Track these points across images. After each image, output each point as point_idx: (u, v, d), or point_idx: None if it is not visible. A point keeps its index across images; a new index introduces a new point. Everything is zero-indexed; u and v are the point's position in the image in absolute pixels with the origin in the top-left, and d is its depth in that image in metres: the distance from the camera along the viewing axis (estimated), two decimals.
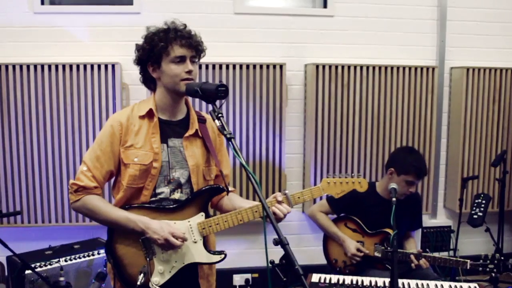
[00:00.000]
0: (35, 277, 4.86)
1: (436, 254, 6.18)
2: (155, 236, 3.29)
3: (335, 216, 5.44)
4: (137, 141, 3.41)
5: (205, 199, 3.49)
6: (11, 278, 5.12)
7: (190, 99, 3.65)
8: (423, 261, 4.90)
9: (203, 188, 3.49)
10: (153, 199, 3.44)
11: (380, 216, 5.05)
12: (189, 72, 3.36)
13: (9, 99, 5.85)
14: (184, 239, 3.34)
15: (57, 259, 5.20)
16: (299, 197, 3.49)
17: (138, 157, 3.39)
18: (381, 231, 5.12)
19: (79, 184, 3.42)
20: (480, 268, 4.82)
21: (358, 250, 5.08)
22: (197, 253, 3.44)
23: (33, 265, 4.89)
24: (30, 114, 5.89)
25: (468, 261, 4.83)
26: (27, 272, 4.86)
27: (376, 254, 5.11)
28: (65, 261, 5.23)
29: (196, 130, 3.53)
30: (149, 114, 3.47)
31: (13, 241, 4.85)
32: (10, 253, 4.76)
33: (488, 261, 4.81)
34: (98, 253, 5.44)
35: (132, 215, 3.36)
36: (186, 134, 3.49)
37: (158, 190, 3.44)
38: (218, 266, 3.71)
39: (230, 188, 3.75)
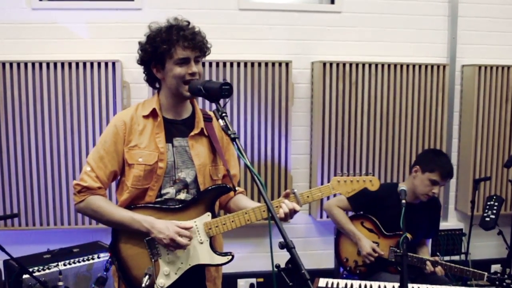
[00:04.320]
0: (33, 282, 4.84)
1: (447, 258, 6.20)
2: (160, 235, 3.29)
3: (351, 213, 5.43)
4: (141, 141, 3.43)
5: (211, 199, 3.49)
6: (8, 283, 5.12)
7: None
8: (439, 269, 4.89)
9: (209, 188, 3.50)
10: (158, 199, 3.46)
11: (399, 218, 5.04)
12: (193, 74, 3.36)
13: (6, 98, 5.85)
14: (190, 237, 3.34)
15: (56, 263, 5.18)
16: (308, 196, 3.48)
17: (142, 157, 3.41)
18: (398, 234, 5.09)
19: (82, 185, 3.46)
20: (497, 283, 4.80)
21: (373, 250, 5.07)
22: (203, 254, 3.44)
23: (31, 269, 4.88)
24: (28, 113, 5.89)
25: (486, 273, 4.79)
26: (25, 276, 4.85)
27: (391, 256, 5.10)
28: (64, 265, 5.22)
29: (202, 128, 3.53)
30: (153, 114, 3.48)
31: (10, 245, 4.85)
32: (7, 257, 4.76)
33: (506, 276, 4.78)
34: (98, 257, 5.43)
35: (137, 215, 3.37)
36: (192, 133, 3.50)
37: (163, 191, 3.46)
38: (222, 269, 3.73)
39: (239, 189, 3.76)
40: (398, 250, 5.07)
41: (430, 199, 5.17)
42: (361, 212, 5.35)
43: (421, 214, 5.12)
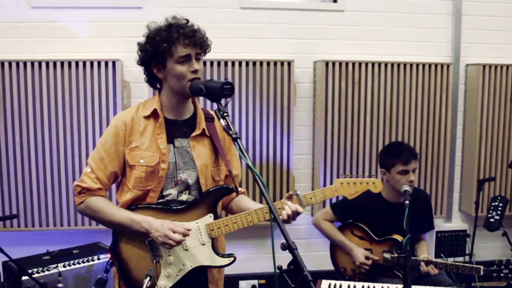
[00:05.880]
0: (32, 284, 4.85)
1: (451, 260, 6.18)
2: (156, 234, 3.29)
3: (340, 223, 5.43)
4: (143, 142, 3.43)
5: (213, 199, 3.49)
6: (7, 285, 5.12)
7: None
8: (430, 267, 4.88)
9: (211, 189, 3.50)
10: (160, 201, 3.46)
11: (388, 221, 5.04)
12: (195, 71, 3.35)
13: (5, 97, 5.85)
14: (185, 234, 3.32)
15: (55, 265, 5.19)
16: (311, 198, 3.47)
17: (144, 158, 3.40)
18: (389, 238, 5.10)
19: (82, 186, 3.46)
20: (495, 274, 4.79)
21: (367, 257, 5.07)
22: (205, 256, 3.44)
23: (30, 271, 4.89)
24: (27, 113, 5.89)
25: (481, 267, 4.79)
26: (24, 278, 4.86)
27: (385, 256, 5.09)
28: (64, 266, 5.22)
29: (203, 129, 3.53)
30: (154, 114, 3.47)
31: (9, 246, 4.87)
32: (6, 258, 4.77)
33: (503, 267, 4.78)
34: (98, 259, 5.43)
35: (136, 215, 3.37)
36: (193, 134, 3.50)
37: (165, 192, 3.46)
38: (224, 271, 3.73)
39: (241, 190, 3.76)
40: (392, 254, 5.07)
41: (415, 194, 5.12)
42: (350, 221, 5.36)
43: (410, 211, 5.09)
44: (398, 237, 5.03)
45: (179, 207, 3.45)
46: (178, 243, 3.29)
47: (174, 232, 3.27)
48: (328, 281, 4.54)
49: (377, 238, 5.15)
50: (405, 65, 6.53)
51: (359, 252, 5.10)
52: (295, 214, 3.33)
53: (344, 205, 5.33)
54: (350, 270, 5.21)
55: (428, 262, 4.90)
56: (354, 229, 5.28)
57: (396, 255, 5.04)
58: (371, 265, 5.06)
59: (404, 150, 5.13)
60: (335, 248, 5.36)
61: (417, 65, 6.57)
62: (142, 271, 3.37)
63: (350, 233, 5.27)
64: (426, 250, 5.32)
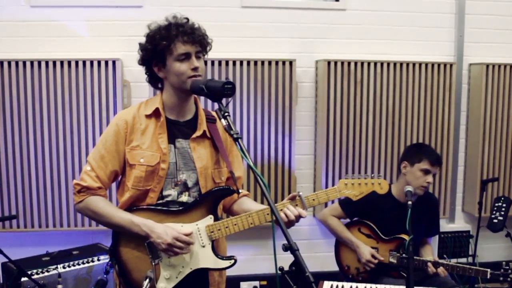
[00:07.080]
0: (31, 285, 4.84)
1: (454, 261, 6.18)
2: (159, 240, 3.27)
3: (348, 220, 5.41)
4: (143, 141, 3.42)
5: (214, 201, 3.47)
6: (7, 286, 5.11)
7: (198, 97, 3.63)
8: (441, 269, 4.88)
9: (212, 190, 3.48)
10: (160, 201, 3.44)
11: (396, 220, 5.02)
12: (195, 69, 3.34)
13: (4, 97, 5.84)
14: (189, 243, 3.32)
15: (55, 266, 5.18)
16: (313, 199, 3.45)
17: (144, 157, 3.39)
18: (396, 237, 5.08)
19: (82, 185, 3.45)
20: (501, 278, 4.79)
21: (373, 256, 5.06)
22: (205, 258, 3.42)
23: (29, 272, 4.88)
24: (27, 113, 5.88)
25: (488, 270, 4.79)
26: (23, 279, 4.84)
27: (391, 260, 5.08)
28: (63, 267, 5.21)
29: (204, 131, 3.52)
30: (156, 114, 3.46)
31: (9, 247, 4.84)
32: (5, 260, 4.75)
33: (510, 270, 4.78)
34: (98, 260, 5.43)
35: (136, 218, 3.35)
36: (193, 136, 3.48)
37: (165, 193, 3.44)
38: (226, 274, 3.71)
39: (244, 191, 3.75)
40: (398, 254, 5.07)
41: (425, 197, 5.18)
42: (357, 218, 5.35)
43: (418, 213, 5.09)
44: (406, 237, 5.01)
45: (178, 208, 3.43)
46: (181, 253, 3.30)
47: (178, 241, 3.27)
48: (330, 282, 4.52)
49: (384, 237, 5.14)
50: (407, 64, 6.52)
51: (366, 249, 5.09)
52: (298, 218, 3.33)
53: (353, 201, 5.31)
54: (354, 269, 5.20)
55: (435, 264, 4.90)
56: (361, 226, 5.26)
57: (401, 254, 5.03)
58: (376, 264, 5.05)
59: (433, 153, 5.19)
60: (340, 246, 5.34)
61: (420, 64, 6.55)
62: (142, 272, 3.36)
63: (357, 230, 5.26)
64: (431, 253, 5.32)
